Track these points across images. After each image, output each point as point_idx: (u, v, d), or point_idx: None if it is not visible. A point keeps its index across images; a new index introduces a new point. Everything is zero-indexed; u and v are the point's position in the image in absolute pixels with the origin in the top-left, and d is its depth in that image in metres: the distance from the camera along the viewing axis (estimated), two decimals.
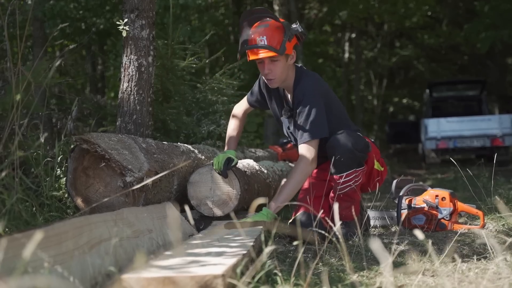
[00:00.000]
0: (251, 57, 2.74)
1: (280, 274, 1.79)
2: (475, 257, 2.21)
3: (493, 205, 3.34)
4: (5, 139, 2.54)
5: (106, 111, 5.09)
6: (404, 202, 3.11)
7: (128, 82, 3.40)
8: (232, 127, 3.14)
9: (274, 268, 1.81)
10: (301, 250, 1.75)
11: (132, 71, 3.40)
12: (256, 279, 1.72)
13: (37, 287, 1.23)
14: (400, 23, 15.28)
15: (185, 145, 3.34)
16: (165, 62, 4.42)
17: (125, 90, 3.42)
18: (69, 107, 5.20)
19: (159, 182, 2.67)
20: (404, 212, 3.07)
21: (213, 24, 11.49)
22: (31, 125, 3.33)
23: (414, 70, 20.58)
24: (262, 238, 2.21)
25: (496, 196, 3.33)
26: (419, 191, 3.20)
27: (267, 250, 1.67)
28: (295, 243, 1.75)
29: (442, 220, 3.02)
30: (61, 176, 2.91)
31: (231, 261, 1.67)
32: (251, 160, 3.60)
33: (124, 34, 3.36)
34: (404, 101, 22.25)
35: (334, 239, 2.11)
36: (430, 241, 2.28)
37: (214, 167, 2.87)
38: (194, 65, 4.72)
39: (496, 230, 2.90)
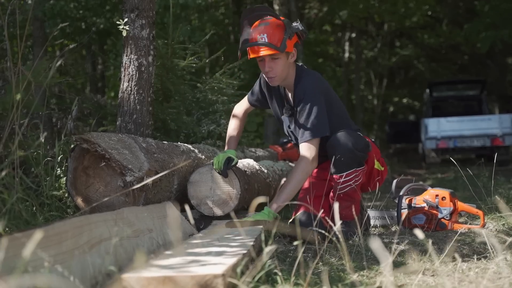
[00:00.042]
0: (252, 55, 2.75)
1: (280, 273, 1.79)
2: (475, 256, 2.21)
3: (493, 204, 3.34)
4: (5, 138, 2.54)
5: (106, 111, 5.08)
6: (404, 202, 3.11)
7: (128, 82, 3.40)
8: (233, 127, 3.14)
9: (274, 268, 1.81)
10: (301, 249, 1.75)
11: (132, 71, 3.40)
12: (256, 278, 1.72)
13: (37, 287, 1.23)
14: (400, 23, 15.28)
15: (185, 144, 3.34)
16: (165, 61, 4.42)
17: (125, 90, 3.42)
18: (69, 106, 5.19)
19: (159, 181, 2.67)
20: (404, 212, 3.07)
21: (213, 24, 11.49)
22: (31, 125, 3.33)
23: (414, 69, 20.58)
24: (262, 237, 2.21)
25: (496, 196, 3.33)
26: (419, 191, 3.20)
27: (267, 249, 1.67)
28: (295, 243, 1.75)
29: (442, 219, 3.01)
30: (61, 175, 2.91)
31: (231, 260, 1.67)
32: (251, 160, 3.60)
33: (124, 33, 3.36)
34: (404, 100, 22.25)
35: (334, 238, 2.11)
36: (430, 241, 2.28)
37: (214, 167, 2.87)
38: (194, 65, 4.72)
39: (496, 229, 2.89)
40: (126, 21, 3.35)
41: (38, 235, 1.22)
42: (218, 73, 4.98)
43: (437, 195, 3.06)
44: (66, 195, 2.78)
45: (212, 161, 2.94)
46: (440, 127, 10.50)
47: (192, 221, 1.85)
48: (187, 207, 1.83)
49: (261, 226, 2.49)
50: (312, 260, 2.19)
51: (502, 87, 16.35)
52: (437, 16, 17.55)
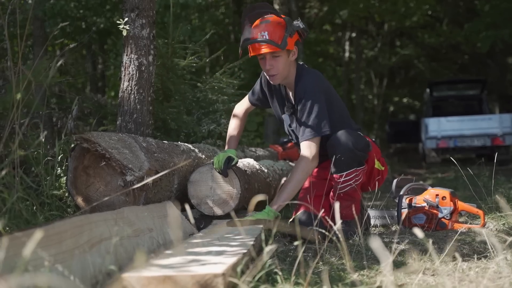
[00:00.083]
0: (253, 53, 2.75)
1: (280, 273, 1.79)
2: (475, 256, 2.21)
3: (493, 204, 3.34)
4: (6, 138, 2.54)
5: (107, 110, 5.08)
6: (405, 201, 3.11)
7: (129, 81, 3.40)
8: (233, 127, 3.14)
9: (274, 267, 1.81)
10: (302, 249, 1.75)
11: (133, 70, 3.40)
12: (256, 278, 1.72)
13: (38, 286, 1.23)
14: (401, 22, 15.28)
15: (186, 144, 3.34)
16: (166, 61, 4.42)
17: (126, 89, 3.42)
18: (70, 106, 5.19)
19: (160, 181, 2.67)
20: (405, 211, 3.07)
21: (213, 23, 11.50)
22: (31, 124, 3.33)
23: (414, 69, 20.58)
24: (263, 237, 2.21)
25: (496, 195, 3.32)
26: (420, 190, 3.20)
27: (268, 249, 1.67)
28: (295, 242, 1.74)
29: (442, 219, 3.01)
30: (62, 175, 2.91)
31: (232, 260, 1.67)
32: (252, 159, 3.60)
33: (124, 33, 3.36)
34: (405, 100, 22.24)
35: (334, 238, 2.11)
36: (430, 240, 2.28)
37: (214, 166, 2.87)
38: (194, 64, 4.71)
39: (496, 229, 2.89)
40: (126, 21, 3.35)
41: (38, 234, 1.22)
42: (218, 73, 4.98)
43: (437, 195, 3.06)
44: (67, 194, 2.78)
45: (212, 160, 2.94)
46: (440, 127, 10.50)
47: (192, 220, 1.85)
48: (187, 207, 1.83)
49: (262, 226, 2.49)
50: (312, 259, 2.19)
51: (502, 87, 16.35)
52: (438, 15, 17.56)
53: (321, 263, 2.16)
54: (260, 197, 1.77)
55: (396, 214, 3.15)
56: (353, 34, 17.06)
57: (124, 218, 2.13)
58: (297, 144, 2.92)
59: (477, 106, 12.08)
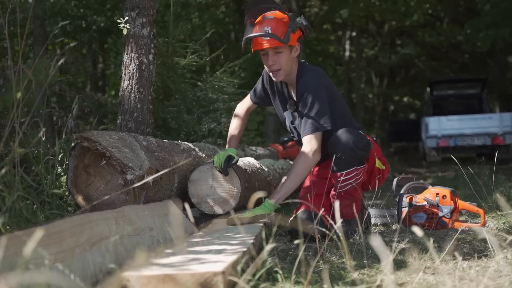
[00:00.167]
0: (256, 48, 2.74)
1: (280, 271, 1.78)
2: (475, 255, 2.21)
3: (494, 203, 3.34)
4: (6, 137, 2.54)
5: (107, 109, 5.08)
6: (405, 200, 3.11)
7: (129, 80, 3.40)
8: (234, 126, 3.13)
9: (274, 266, 1.81)
10: (302, 248, 1.75)
11: (133, 69, 3.40)
12: (256, 276, 1.72)
13: (38, 284, 1.23)
14: (401, 22, 15.29)
15: (186, 143, 3.34)
16: (166, 60, 4.42)
17: (126, 88, 3.42)
18: (70, 105, 5.19)
19: (160, 180, 2.67)
20: (405, 210, 3.07)
21: (214, 22, 11.49)
22: (31, 123, 3.33)
23: (414, 68, 20.58)
24: (263, 235, 2.21)
25: (496, 194, 3.32)
26: (420, 189, 3.20)
27: (268, 247, 1.67)
28: (296, 241, 1.74)
29: (442, 218, 3.01)
30: (62, 174, 2.91)
31: (231, 258, 1.67)
32: (252, 158, 3.60)
33: (124, 32, 3.36)
34: (405, 99, 22.24)
35: (334, 237, 2.11)
36: (430, 239, 2.27)
37: (214, 165, 2.87)
38: (194, 63, 4.71)
39: (497, 228, 2.89)
40: (126, 20, 3.35)
41: (38, 233, 1.22)
42: (218, 72, 4.98)
43: (437, 194, 3.06)
44: (67, 193, 2.78)
45: (212, 159, 2.94)
46: (440, 126, 10.49)
47: (192, 219, 1.85)
48: (187, 206, 1.83)
49: (261, 225, 2.49)
50: (312, 258, 2.19)
51: (502, 86, 16.33)
52: (438, 14, 17.55)
53: (321, 262, 2.16)
54: (259, 194, 1.77)
55: (396, 213, 3.15)
56: (354, 33, 17.06)
57: (125, 217, 2.13)
58: (299, 142, 2.92)
59: (478, 105, 12.08)
